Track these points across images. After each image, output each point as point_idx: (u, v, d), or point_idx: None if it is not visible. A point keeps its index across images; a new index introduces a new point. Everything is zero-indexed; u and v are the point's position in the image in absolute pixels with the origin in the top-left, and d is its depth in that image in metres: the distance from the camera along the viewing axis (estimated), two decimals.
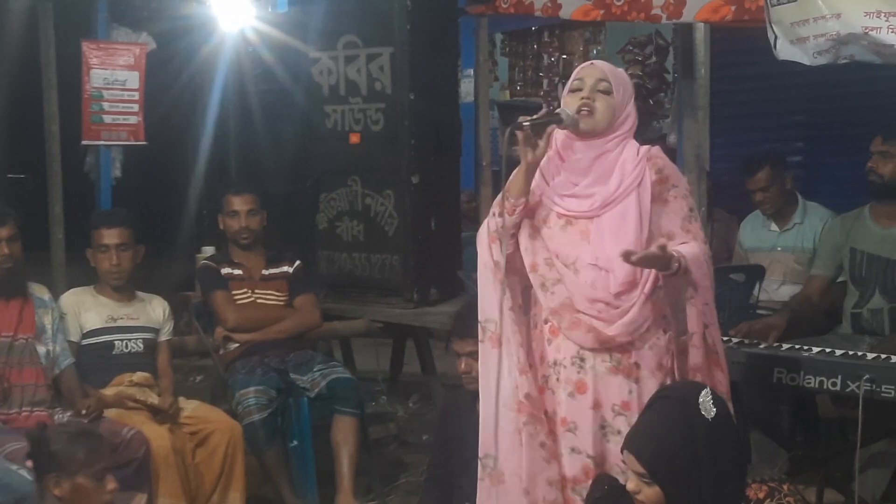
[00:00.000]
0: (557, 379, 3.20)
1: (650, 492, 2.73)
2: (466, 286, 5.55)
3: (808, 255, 5.19)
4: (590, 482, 3.14)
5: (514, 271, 3.28)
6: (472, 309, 3.69)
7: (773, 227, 5.47)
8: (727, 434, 2.74)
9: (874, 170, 4.40)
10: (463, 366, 3.83)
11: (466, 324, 3.71)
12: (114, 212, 5.08)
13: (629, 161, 3.17)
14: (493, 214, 3.25)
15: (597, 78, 3.20)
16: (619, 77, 3.25)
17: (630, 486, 2.78)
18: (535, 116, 3.16)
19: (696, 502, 2.68)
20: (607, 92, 3.17)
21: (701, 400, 2.72)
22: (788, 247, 5.37)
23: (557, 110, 3.17)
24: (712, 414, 2.70)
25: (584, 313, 3.15)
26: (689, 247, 3.13)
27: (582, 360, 3.17)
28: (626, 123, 3.22)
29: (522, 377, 3.22)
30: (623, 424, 3.11)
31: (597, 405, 3.16)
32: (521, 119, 3.13)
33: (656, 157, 3.20)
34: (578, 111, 3.15)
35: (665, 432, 2.73)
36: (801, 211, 5.41)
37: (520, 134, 3.12)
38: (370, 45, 5.58)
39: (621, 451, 2.82)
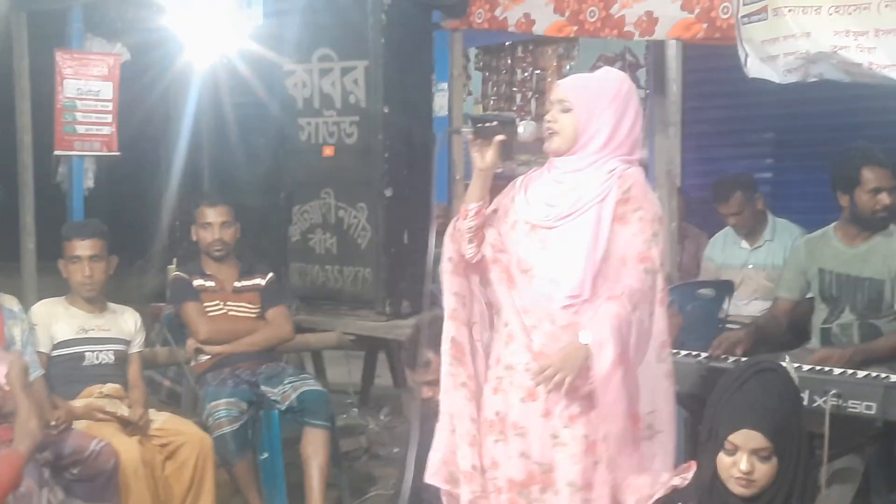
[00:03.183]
0: (511, 382, 3.22)
1: (766, 468, 2.72)
2: (438, 300, 5.56)
3: (779, 272, 5.24)
4: (535, 487, 3.16)
5: (476, 274, 3.32)
6: (423, 334, 3.73)
7: (744, 244, 5.52)
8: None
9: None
10: (425, 394, 3.81)
11: (417, 353, 3.73)
12: (86, 223, 5.06)
13: (598, 176, 3.18)
14: (455, 220, 3.32)
15: (558, 98, 3.23)
16: (587, 96, 3.20)
17: (744, 466, 2.73)
18: (484, 123, 3.20)
19: (801, 473, 2.72)
20: (567, 111, 3.19)
21: (787, 367, 2.76)
22: (759, 264, 5.42)
23: (515, 121, 3.20)
24: (797, 381, 2.75)
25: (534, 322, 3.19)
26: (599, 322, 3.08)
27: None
28: (596, 138, 3.17)
29: (450, 322, 3.29)
30: (570, 437, 3.13)
31: (547, 413, 3.17)
32: (468, 115, 3.20)
33: (628, 177, 3.16)
34: (539, 132, 3.21)
35: (780, 404, 2.75)
36: (771, 228, 5.47)
37: (470, 138, 3.18)
38: (345, 58, 5.60)
39: (726, 434, 2.78)
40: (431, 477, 3.36)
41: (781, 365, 2.78)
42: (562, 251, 3.14)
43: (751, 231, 5.49)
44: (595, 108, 3.18)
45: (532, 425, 3.17)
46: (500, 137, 3.18)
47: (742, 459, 2.73)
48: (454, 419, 3.31)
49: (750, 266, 5.45)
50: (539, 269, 3.17)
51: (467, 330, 3.34)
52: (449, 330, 3.32)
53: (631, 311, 3.05)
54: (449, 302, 3.34)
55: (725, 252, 5.58)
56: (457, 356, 3.32)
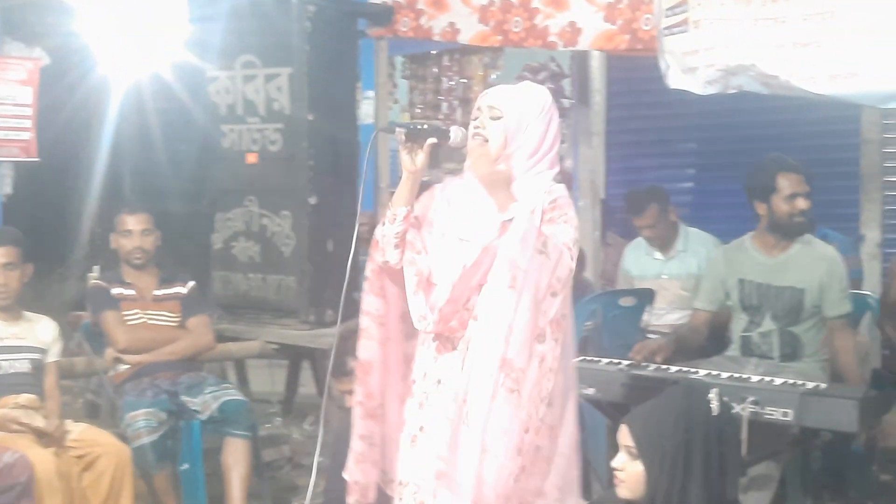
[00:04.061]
0: (438, 397, 3.19)
1: (632, 468, 2.78)
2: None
3: (694, 281, 5.32)
4: None
5: (399, 285, 3.31)
6: (344, 343, 3.71)
7: (658, 255, 5.59)
8: (727, 438, 2.78)
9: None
10: (349, 403, 3.80)
11: (340, 362, 3.72)
12: (0, 230, 4.95)
13: (527, 190, 3.17)
14: (381, 223, 3.28)
15: (488, 105, 3.21)
16: (516, 105, 3.20)
17: (615, 461, 2.82)
18: (416, 126, 3.19)
19: (676, 492, 2.71)
20: (498, 118, 3.20)
21: (711, 395, 2.76)
22: (673, 274, 5.49)
23: (447, 128, 3.20)
24: (717, 412, 2.74)
25: None
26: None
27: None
28: (524, 147, 3.17)
29: (361, 341, 3.31)
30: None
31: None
32: (393, 123, 3.19)
33: (554, 190, 3.19)
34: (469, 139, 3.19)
35: (661, 411, 2.80)
36: (683, 238, 5.55)
37: (400, 141, 3.17)
38: (269, 65, 5.57)
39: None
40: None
41: (709, 389, 2.81)
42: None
43: (664, 242, 5.56)
44: (524, 117, 3.18)
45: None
46: (432, 140, 3.17)
47: (619, 455, 2.82)
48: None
49: (664, 276, 5.52)
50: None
51: (380, 349, 3.32)
52: (359, 349, 3.31)
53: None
54: (362, 321, 3.32)
55: (639, 263, 5.65)
56: (359, 374, 3.32)
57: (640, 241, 5.70)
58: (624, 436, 2.82)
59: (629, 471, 2.81)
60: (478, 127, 3.19)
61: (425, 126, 3.21)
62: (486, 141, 3.17)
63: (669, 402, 2.84)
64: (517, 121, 3.18)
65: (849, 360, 4.34)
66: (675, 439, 2.75)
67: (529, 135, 3.18)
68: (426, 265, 3.19)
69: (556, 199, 3.17)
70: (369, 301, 3.33)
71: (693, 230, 5.61)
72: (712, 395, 2.79)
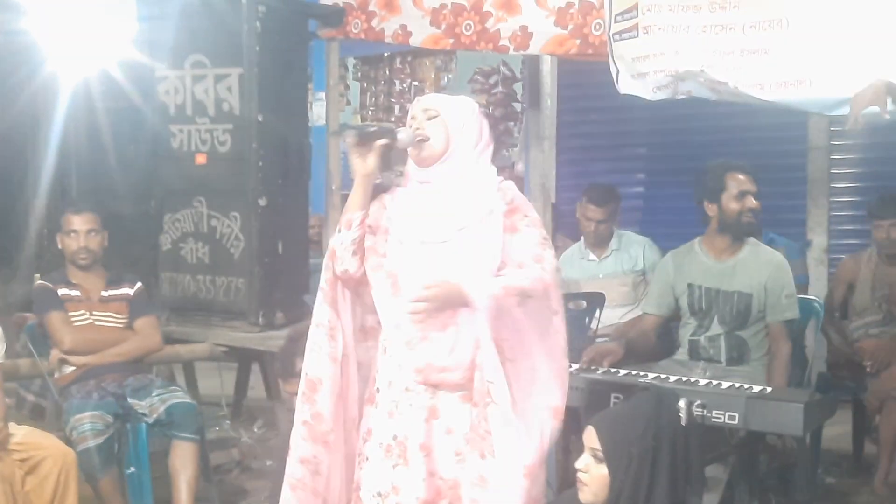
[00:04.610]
0: (410, 404, 3.20)
1: (596, 471, 2.78)
2: (312, 310, 5.52)
3: (631, 276, 5.41)
4: (442, 503, 3.15)
5: (358, 294, 3.29)
6: (294, 345, 3.71)
7: (592, 256, 5.65)
8: (693, 448, 2.78)
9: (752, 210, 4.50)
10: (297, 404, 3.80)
11: (289, 363, 3.71)
12: None
13: (480, 188, 3.20)
14: (337, 231, 3.26)
15: (423, 108, 3.26)
16: (451, 102, 3.28)
17: (579, 462, 2.82)
18: (364, 129, 3.25)
19: (641, 499, 2.72)
20: (435, 117, 3.22)
21: (680, 403, 2.76)
22: (609, 273, 5.55)
23: (394, 129, 3.24)
24: (684, 421, 2.74)
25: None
26: (507, 279, 3.13)
27: (435, 385, 3.18)
28: (467, 138, 3.22)
29: (309, 355, 3.30)
30: (470, 451, 3.13)
31: (450, 430, 3.18)
32: (344, 125, 3.22)
33: (506, 189, 3.24)
34: (415, 138, 3.22)
35: (630, 416, 2.82)
36: (616, 239, 5.61)
37: (350, 144, 3.19)
38: (218, 65, 5.53)
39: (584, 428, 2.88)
40: None
41: (679, 398, 2.83)
42: (457, 265, 3.14)
43: (601, 241, 5.62)
44: (461, 112, 3.25)
45: (437, 443, 3.16)
46: (381, 141, 3.19)
47: (583, 457, 2.81)
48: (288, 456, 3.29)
49: (601, 276, 5.58)
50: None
51: (331, 365, 3.29)
52: (306, 363, 3.28)
53: (524, 287, 3.10)
54: (312, 333, 3.29)
55: (575, 268, 5.71)
56: (307, 391, 3.29)
57: (573, 249, 5.78)
58: (590, 438, 2.81)
59: (593, 473, 2.80)
60: (418, 129, 3.21)
61: (374, 128, 3.24)
62: (427, 139, 3.19)
63: (639, 408, 2.84)
64: (455, 116, 3.23)
65: (779, 367, 4.37)
66: (643, 445, 2.75)
67: (469, 128, 3.23)
68: (394, 269, 3.20)
69: (513, 200, 3.21)
70: (322, 312, 3.30)
71: (624, 231, 5.71)
72: (681, 403, 2.80)
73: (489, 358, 3.07)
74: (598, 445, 2.79)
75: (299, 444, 3.28)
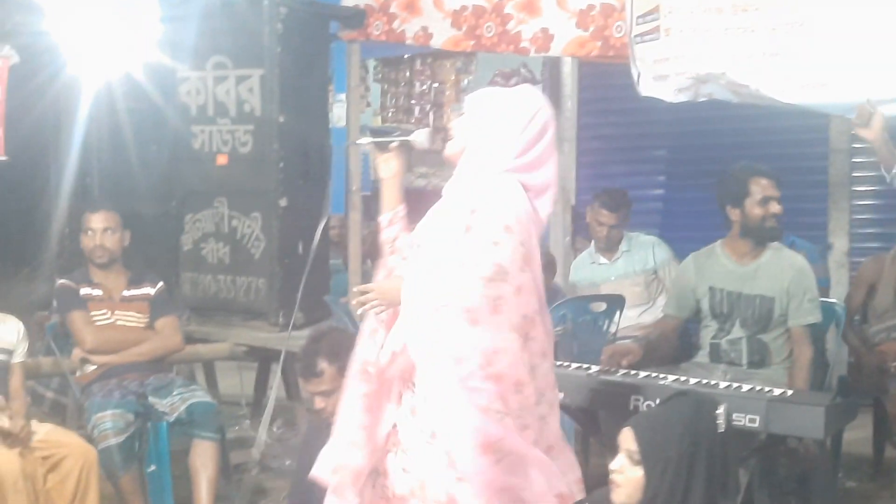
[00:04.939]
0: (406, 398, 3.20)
1: (632, 472, 2.76)
2: (333, 311, 5.53)
3: (643, 276, 5.42)
4: (415, 501, 3.14)
5: None
6: (315, 345, 3.72)
7: (602, 260, 5.67)
8: (729, 456, 2.77)
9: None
10: (317, 404, 3.81)
11: (310, 362, 3.73)
12: None
13: (466, 186, 3.16)
14: (379, 234, 3.33)
15: (463, 104, 3.27)
16: (480, 99, 3.19)
17: (614, 463, 2.80)
18: (381, 136, 3.29)
19: (674, 502, 2.71)
20: (460, 115, 3.22)
21: (718, 410, 2.76)
22: (620, 274, 5.58)
23: (410, 131, 3.27)
24: (722, 428, 2.74)
25: None
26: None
27: (414, 383, 3.16)
28: (477, 144, 3.11)
29: (367, 341, 3.24)
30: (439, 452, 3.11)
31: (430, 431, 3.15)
32: (366, 128, 3.24)
33: (486, 187, 3.17)
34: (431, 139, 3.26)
35: (670, 420, 2.78)
36: (626, 241, 5.64)
37: (370, 149, 3.27)
38: (240, 66, 5.55)
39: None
40: (317, 470, 3.31)
41: (717, 405, 2.82)
42: (421, 268, 3.11)
43: (611, 245, 5.64)
44: (483, 113, 3.14)
45: (414, 441, 3.13)
46: (395, 144, 3.24)
47: (618, 458, 2.80)
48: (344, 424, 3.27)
49: (613, 278, 5.59)
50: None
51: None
52: (361, 350, 3.25)
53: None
54: (370, 323, 3.26)
55: (586, 274, 5.73)
56: (362, 372, 3.27)
57: (583, 255, 5.82)
58: (627, 439, 2.79)
59: (628, 475, 2.78)
60: (449, 127, 3.25)
61: (396, 133, 3.27)
62: (451, 139, 3.21)
63: (677, 412, 2.81)
64: (476, 118, 3.16)
65: (801, 371, 4.36)
66: (680, 449, 2.73)
67: (486, 132, 3.11)
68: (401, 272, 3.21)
69: (482, 197, 3.05)
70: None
71: (633, 233, 5.72)
72: (720, 410, 2.79)
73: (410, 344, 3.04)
74: (634, 447, 2.77)
75: (358, 415, 3.23)
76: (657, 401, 3.77)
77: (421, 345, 3.02)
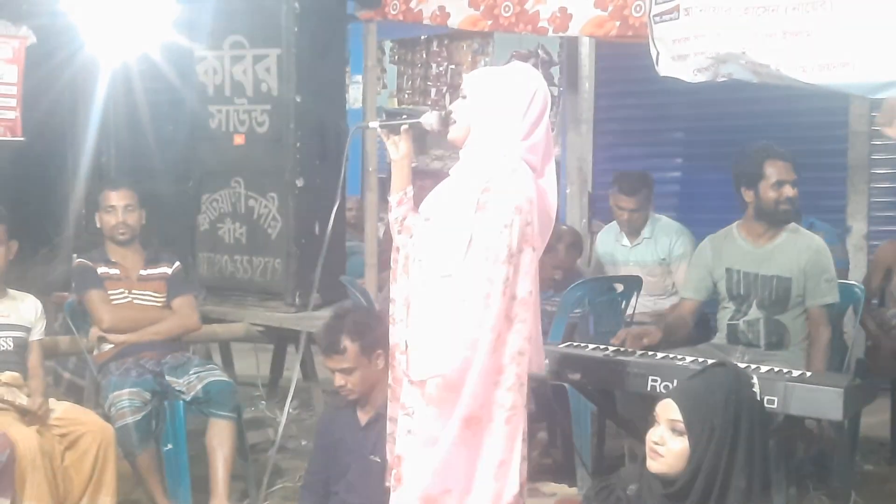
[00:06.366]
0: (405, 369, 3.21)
1: (674, 444, 2.77)
2: (349, 292, 5.53)
3: (659, 267, 5.38)
4: None
5: None
6: (339, 322, 3.74)
7: (625, 241, 5.65)
8: (767, 424, 2.78)
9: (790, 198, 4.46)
10: (337, 381, 3.84)
11: (333, 339, 3.75)
12: None
13: (474, 167, 3.15)
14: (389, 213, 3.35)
15: (462, 87, 3.27)
16: (480, 80, 3.20)
17: (653, 434, 2.80)
18: (391, 118, 3.34)
19: (719, 473, 2.72)
20: (463, 97, 3.21)
21: (754, 380, 2.76)
22: (639, 261, 5.57)
23: (420, 113, 3.28)
24: (759, 395, 2.76)
25: None
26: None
27: None
28: (481, 126, 3.12)
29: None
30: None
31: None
32: (380, 109, 3.25)
33: (496, 167, 3.12)
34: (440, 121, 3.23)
35: (712, 389, 2.81)
36: (651, 226, 5.61)
37: (382, 133, 3.30)
38: (257, 45, 5.55)
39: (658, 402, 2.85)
40: None
41: (751, 376, 2.84)
42: (434, 243, 3.12)
43: (635, 228, 5.61)
44: (485, 96, 3.15)
45: (419, 406, 3.12)
46: (404, 127, 3.26)
47: (658, 429, 2.79)
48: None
49: (631, 263, 5.58)
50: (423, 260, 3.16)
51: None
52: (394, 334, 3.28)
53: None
54: (391, 309, 3.29)
55: (609, 249, 5.73)
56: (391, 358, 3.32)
57: (612, 226, 5.77)
58: (668, 410, 2.80)
59: (670, 447, 2.79)
60: (451, 110, 3.22)
61: (403, 116, 3.27)
62: (454, 121, 3.19)
63: (717, 381, 2.84)
64: (478, 100, 3.16)
65: (819, 352, 4.35)
66: (725, 417, 2.76)
67: (489, 114, 3.12)
68: (412, 250, 3.21)
69: (493, 178, 3.05)
70: (398, 286, 3.27)
71: (662, 217, 5.68)
72: (755, 380, 2.82)
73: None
74: (678, 417, 2.77)
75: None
76: (674, 382, 3.78)
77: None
